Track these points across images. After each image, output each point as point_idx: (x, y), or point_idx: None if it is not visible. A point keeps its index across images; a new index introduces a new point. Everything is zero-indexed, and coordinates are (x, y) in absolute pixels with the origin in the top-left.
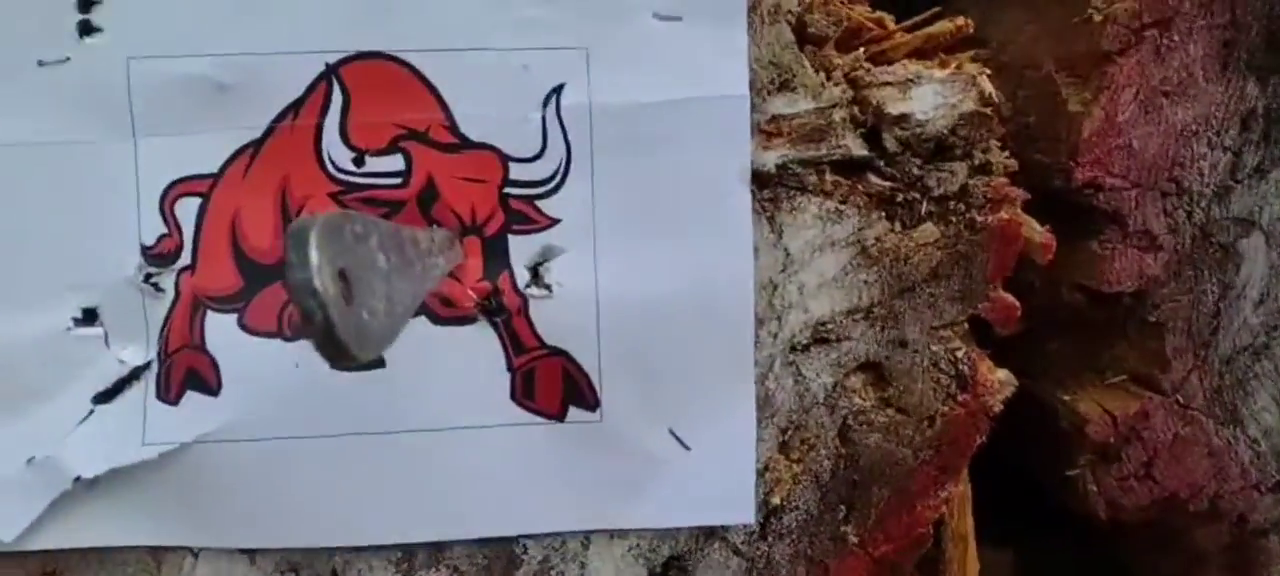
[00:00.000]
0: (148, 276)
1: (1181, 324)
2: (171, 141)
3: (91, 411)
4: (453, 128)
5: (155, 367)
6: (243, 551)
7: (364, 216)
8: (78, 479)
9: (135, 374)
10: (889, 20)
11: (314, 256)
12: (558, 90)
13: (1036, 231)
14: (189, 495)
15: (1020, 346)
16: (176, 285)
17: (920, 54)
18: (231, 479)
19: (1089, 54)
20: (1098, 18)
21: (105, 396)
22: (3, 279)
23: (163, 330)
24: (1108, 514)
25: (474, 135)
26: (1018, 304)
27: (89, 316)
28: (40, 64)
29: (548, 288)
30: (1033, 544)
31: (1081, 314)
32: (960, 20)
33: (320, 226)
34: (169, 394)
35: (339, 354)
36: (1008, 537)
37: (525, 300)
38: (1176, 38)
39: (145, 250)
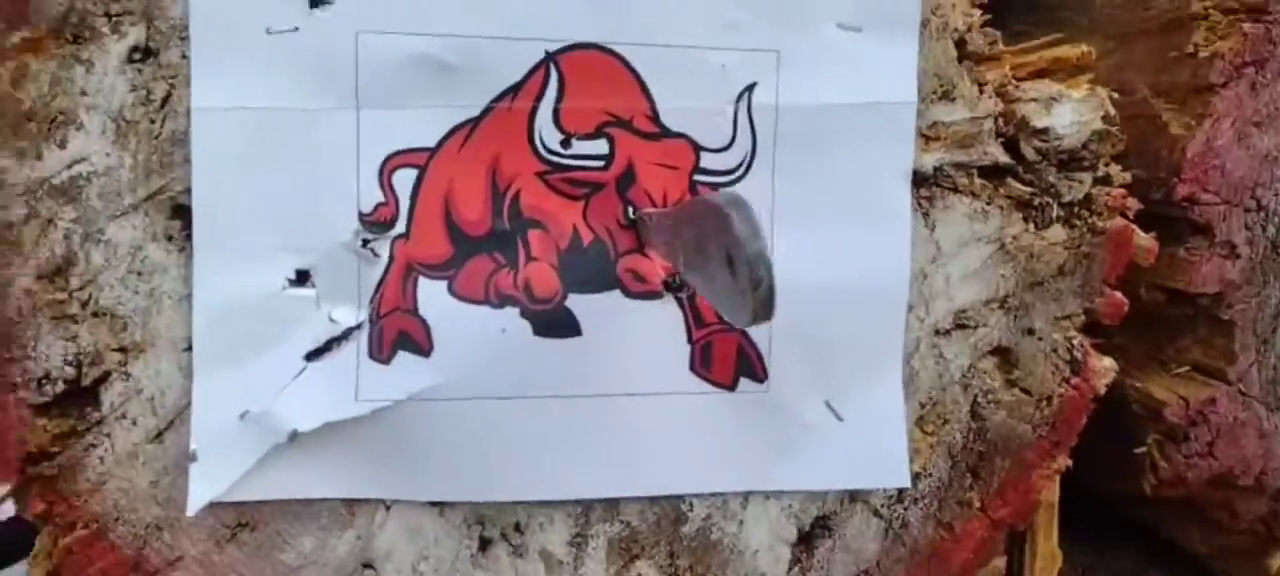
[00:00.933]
0: (365, 242)
1: (1249, 323)
2: (393, 114)
3: (304, 369)
4: (654, 117)
5: (367, 328)
6: (433, 504)
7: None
8: (294, 433)
9: (347, 333)
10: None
11: (762, 227)
12: (750, 88)
13: (1144, 238)
14: (391, 450)
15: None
16: (391, 251)
17: (1043, 73)
18: (434, 435)
19: (1190, 84)
20: (1203, 54)
21: (316, 354)
22: (222, 237)
23: (375, 293)
24: (1158, 489)
25: (672, 125)
26: (1127, 301)
27: (302, 277)
28: (268, 32)
29: None
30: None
31: (1154, 311)
32: (1085, 47)
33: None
34: (381, 353)
35: (768, 312)
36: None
37: None
38: (1269, 76)
39: (363, 217)
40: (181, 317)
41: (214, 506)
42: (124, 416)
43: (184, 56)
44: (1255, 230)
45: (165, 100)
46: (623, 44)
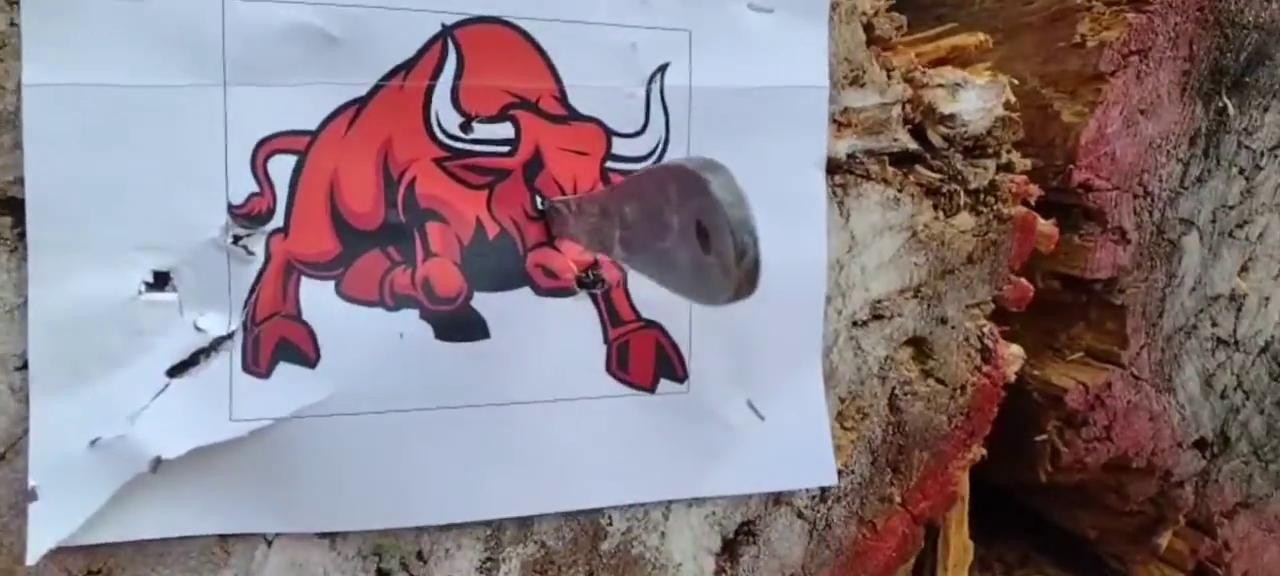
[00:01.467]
0: (236, 238)
1: (1139, 307)
2: (267, 92)
3: (166, 386)
4: (562, 98)
5: (241, 337)
6: (322, 536)
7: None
8: (157, 460)
9: (217, 344)
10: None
11: (746, 198)
12: (662, 69)
13: (1046, 225)
14: (272, 476)
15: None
16: (267, 248)
17: (941, 62)
18: (322, 456)
19: (1080, 73)
20: (1091, 43)
21: (180, 368)
22: (63, 235)
23: (250, 297)
24: (1055, 475)
25: (582, 108)
26: (1031, 287)
27: (161, 280)
28: None
29: None
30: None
31: (1048, 298)
32: (982, 36)
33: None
34: (258, 365)
35: (750, 286)
36: None
37: (624, 273)
38: (1151, 65)
39: (233, 209)
40: (14, 330)
41: (59, 552)
42: None
43: (12, 23)
44: (1143, 215)
45: None
46: (526, 18)
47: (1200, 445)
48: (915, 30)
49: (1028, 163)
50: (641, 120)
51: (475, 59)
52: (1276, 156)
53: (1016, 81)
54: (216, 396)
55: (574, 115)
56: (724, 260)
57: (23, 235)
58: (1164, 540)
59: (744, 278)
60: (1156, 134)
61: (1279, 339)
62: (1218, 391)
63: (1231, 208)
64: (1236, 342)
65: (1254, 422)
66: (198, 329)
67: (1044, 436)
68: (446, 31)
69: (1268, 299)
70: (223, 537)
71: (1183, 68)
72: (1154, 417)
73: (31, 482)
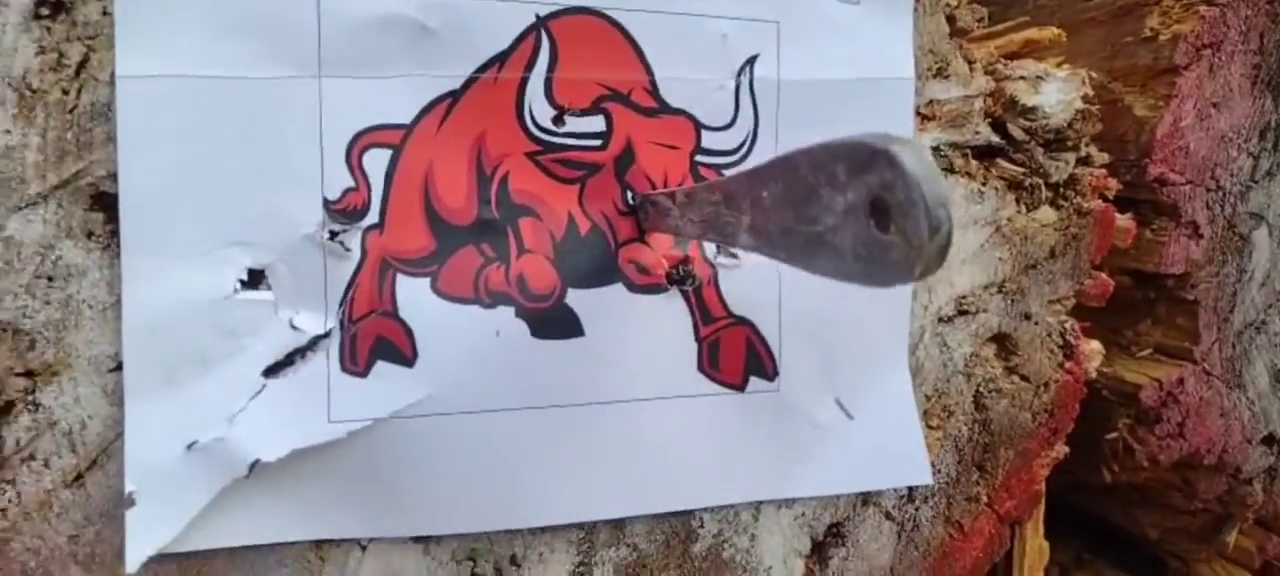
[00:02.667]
0: (331, 234)
1: (1211, 302)
2: (361, 84)
3: (263, 387)
4: (653, 91)
5: (338, 336)
6: (416, 540)
7: None
8: (255, 464)
9: (313, 343)
10: None
11: (935, 165)
12: (751, 61)
13: (1123, 220)
14: (368, 478)
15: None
16: (363, 245)
17: (1014, 56)
18: (420, 458)
19: (1150, 67)
20: (1164, 37)
21: (277, 368)
22: (156, 232)
23: (346, 295)
24: (1122, 474)
25: (672, 100)
26: (1112, 282)
27: (256, 278)
28: None
29: (736, 256)
30: None
31: (1114, 294)
32: (1056, 30)
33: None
34: (356, 365)
35: (941, 262)
36: None
37: (715, 270)
38: (1223, 58)
39: (328, 205)
40: (107, 331)
41: (155, 559)
42: (33, 457)
43: (105, 12)
44: (1214, 209)
45: (82, 66)
46: (619, 9)
47: (1269, 441)
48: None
49: (1106, 156)
50: (731, 113)
51: (569, 50)
52: None
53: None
54: (314, 397)
55: (665, 108)
56: (911, 237)
57: (115, 232)
58: (1232, 538)
59: (936, 254)
60: (1228, 127)
61: None
62: None
63: None
64: None
65: None
66: (294, 328)
67: (1115, 434)
68: (541, 22)
69: None
70: (317, 543)
71: (1253, 61)
72: (1225, 414)
73: (128, 488)
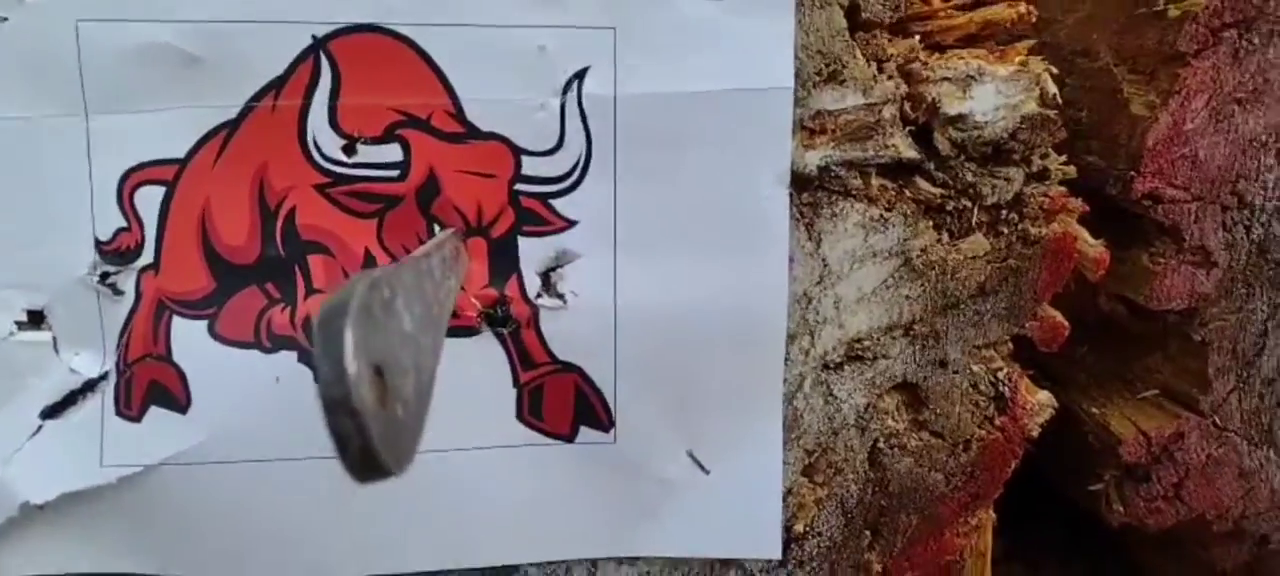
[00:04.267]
0: (103, 276)
1: (1227, 343)
2: (130, 120)
3: (40, 427)
4: (458, 115)
5: (113, 379)
6: None
7: (387, 273)
8: (25, 504)
9: (90, 385)
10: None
11: (351, 365)
12: (580, 75)
13: (1090, 245)
14: (151, 523)
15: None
16: (137, 286)
17: (973, 40)
18: (201, 506)
19: (1158, 51)
20: (1173, 13)
21: (55, 410)
22: None
23: (122, 337)
24: (1120, 525)
25: (483, 124)
26: (1067, 324)
27: (35, 319)
28: None
29: (561, 297)
30: (1028, 539)
31: (1117, 324)
32: (1023, 7)
33: (354, 317)
34: (130, 409)
35: (374, 473)
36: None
37: (536, 310)
38: (1257, 40)
39: (100, 245)
40: None
41: None
42: None
43: None
44: (1236, 232)
45: None
46: (409, 24)
47: None
48: None
49: (1072, 169)
50: (555, 136)
51: (353, 74)
52: None
53: (1090, 56)
54: (88, 440)
55: (474, 132)
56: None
57: None
58: None
59: (358, 466)
60: (1260, 129)
61: None
62: None
63: None
64: None
65: None
66: (72, 370)
67: (1099, 486)
68: (318, 44)
69: None
70: None
71: None
72: (1245, 474)
73: None
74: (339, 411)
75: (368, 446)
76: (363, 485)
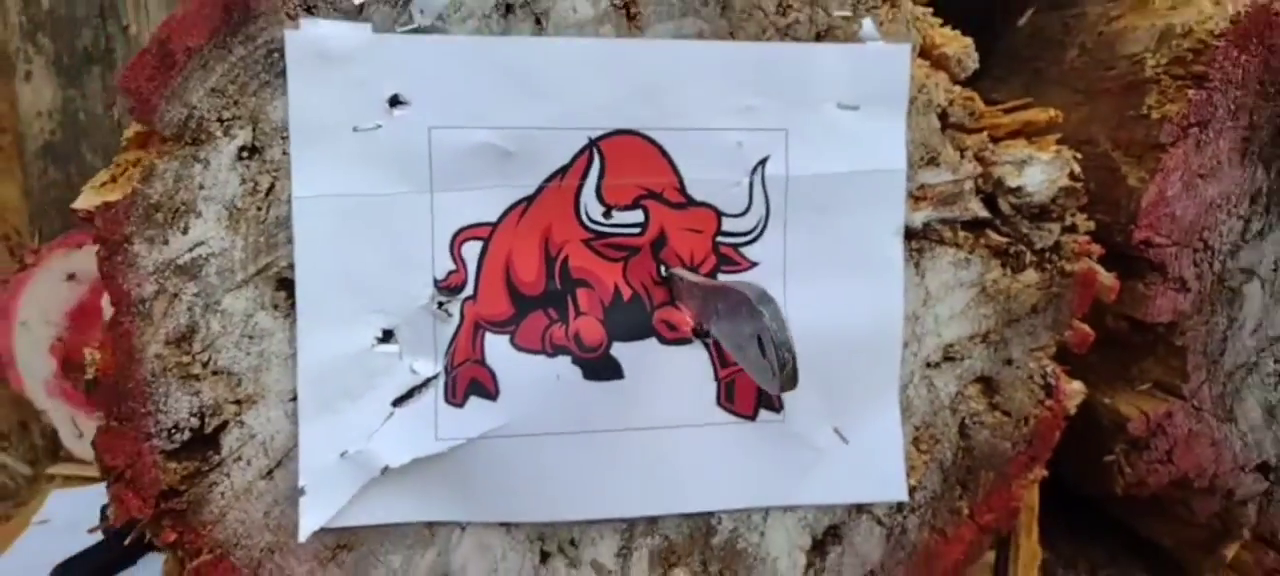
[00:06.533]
0: (439, 304)
1: (1200, 346)
2: (461, 195)
3: (391, 414)
4: (682, 189)
5: (443, 377)
6: (501, 525)
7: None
8: (384, 468)
9: (426, 382)
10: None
11: (787, 322)
12: (763, 162)
13: (1106, 278)
14: (465, 480)
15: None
16: (461, 311)
17: (1016, 134)
18: (501, 467)
19: (1145, 141)
20: (1155, 115)
21: (401, 400)
22: (320, 305)
23: (449, 347)
24: (1126, 490)
25: (697, 195)
26: (1093, 333)
27: (387, 336)
28: (355, 130)
29: None
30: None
31: (1120, 336)
32: (1053, 111)
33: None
34: (455, 398)
35: (792, 385)
36: None
37: None
38: (1211, 134)
39: (437, 283)
40: (287, 374)
41: (320, 532)
42: (240, 458)
43: (285, 153)
44: (1203, 266)
45: (269, 190)
46: (655, 129)
47: (1263, 469)
48: (1011, 80)
49: (1092, 224)
50: (746, 203)
51: (615, 162)
52: None
53: (1091, 143)
54: (426, 421)
55: (691, 202)
56: (772, 366)
57: (293, 306)
58: (1230, 551)
59: (786, 380)
60: (1217, 195)
61: None
62: None
63: None
64: None
65: None
66: (413, 371)
67: (1111, 457)
68: (592, 143)
69: None
70: (430, 524)
71: (1243, 135)
72: (1215, 443)
73: (301, 482)
74: (786, 348)
75: (795, 368)
76: (782, 391)
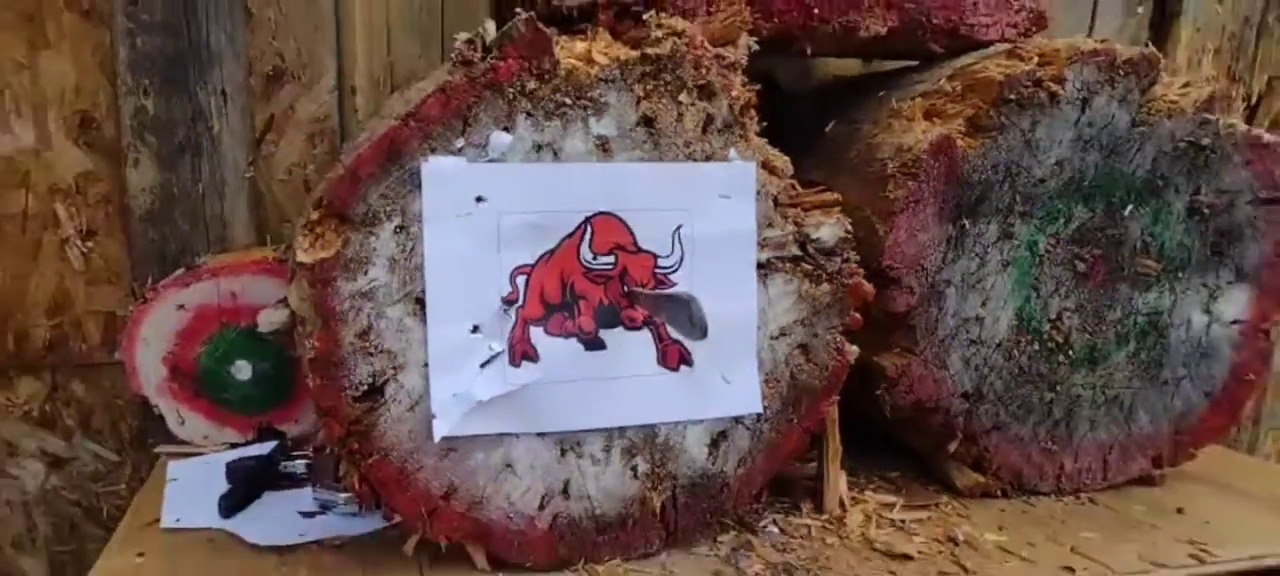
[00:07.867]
0: (504, 310)
1: (923, 325)
2: (515, 251)
3: (480, 372)
4: (635, 244)
5: (506, 352)
6: (539, 434)
7: (685, 293)
8: (479, 402)
9: (498, 354)
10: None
11: (703, 310)
12: (679, 228)
13: (867, 287)
14: (519, 408)
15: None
16: (516, 315)
17: (816, 206)
18: (539, 400)
19: (887, 209)
20: (892, 195)
21: (485, 364)
22: (441, 312)
23: (510, 334)
24: (891, 413)
25: (645, 246)
26: (862, 319)
27: (476, 329)
28: (457, 216)
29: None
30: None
31: (878, 321)
32: (836, 194)
33: (697, 298)
34: (515, 363)
35: (704, 336)
36: None
37: (664, 321)
38: (922, 207)
39: (504, 298)
40: (422, 351)
41: (443, 439)
42: (397, 400)
43: (419, 229)
44: (921, 280)
45: (412, 251)
46: (621, 211)
47: (966, 396)
48: (822, 166)
49: (859, 257)
50: (670, 250)
51: (599, 230)
52: (995, 247)
53: (861, 208)
54: (501, 375)
55: (640, 250)
56: (697, 328)
57: (426, 313)
58: (952, 447)
59: (700, 333)
60: (927, 240)
61: (1006, 340)
62: (973, 367)
63: (973, 273)
64: (981, 341)
65: (995, 383)
66: (491, 349)
67: (879, 392)
68: (587, 220)
69: (997, 319)
70: (500, 434)
71: (940, 205)
72: (937, 382)
73: (433, 412)
74: (701, 317)
75: (706, 328)
76: (700, 340)
